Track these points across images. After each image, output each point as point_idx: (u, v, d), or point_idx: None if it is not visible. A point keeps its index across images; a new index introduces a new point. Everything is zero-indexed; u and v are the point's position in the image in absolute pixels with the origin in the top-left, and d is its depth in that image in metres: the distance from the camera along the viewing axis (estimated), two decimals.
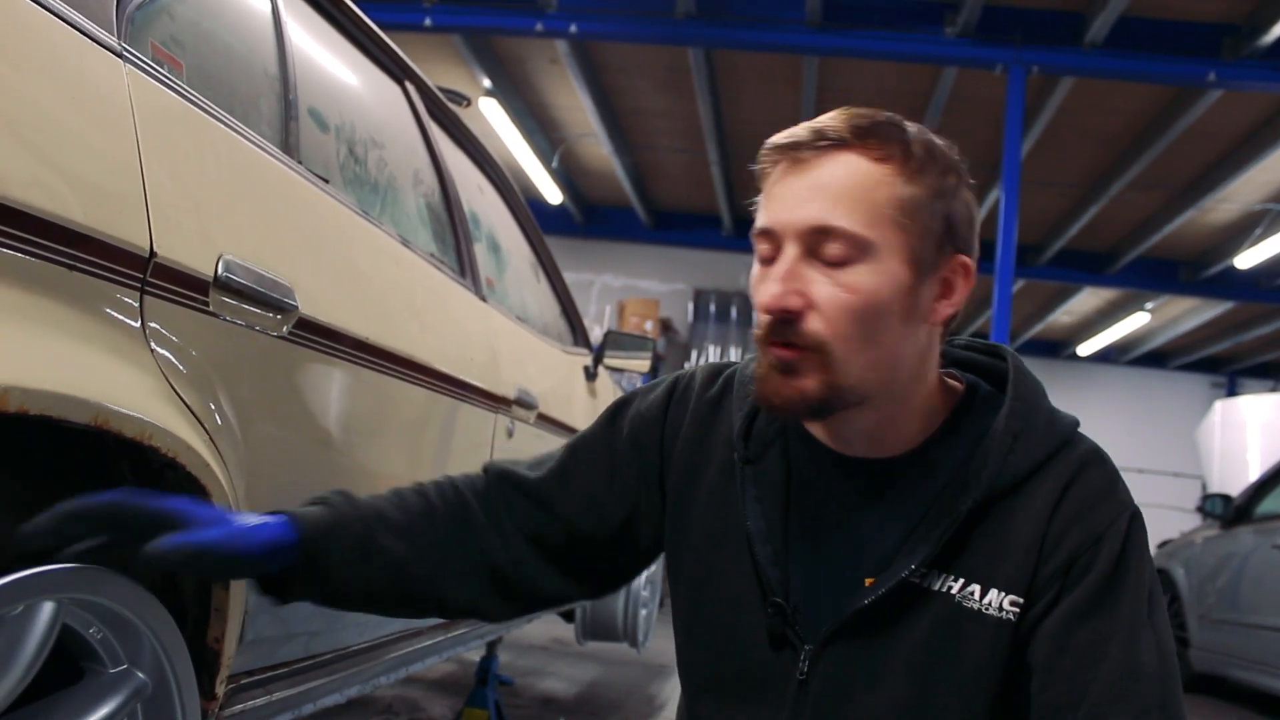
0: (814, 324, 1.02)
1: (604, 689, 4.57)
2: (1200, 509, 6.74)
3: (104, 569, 0.95)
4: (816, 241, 1.02)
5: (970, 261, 1.10)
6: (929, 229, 1.05)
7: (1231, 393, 14.15)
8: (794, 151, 1.05)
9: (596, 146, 10.20)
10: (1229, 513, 6.00)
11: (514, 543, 1.22)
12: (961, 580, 1.06)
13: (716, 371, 1.28)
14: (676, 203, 11.89)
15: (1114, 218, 10.37)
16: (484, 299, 2.28)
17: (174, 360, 1.16)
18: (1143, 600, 1.04)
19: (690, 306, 12.32)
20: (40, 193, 0.98)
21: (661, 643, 5.24)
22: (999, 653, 1.04)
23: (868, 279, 1.02)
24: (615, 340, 3.27)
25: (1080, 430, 1.13)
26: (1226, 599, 5.64)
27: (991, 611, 1.05)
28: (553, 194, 11.07)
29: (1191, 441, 10.51)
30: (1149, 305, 12.56)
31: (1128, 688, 0.99)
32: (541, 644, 5.40)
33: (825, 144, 1.04)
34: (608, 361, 3.27)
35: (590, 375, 3.24)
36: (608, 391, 3.43)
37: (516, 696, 4.11)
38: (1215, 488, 8.74)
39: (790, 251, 1.03)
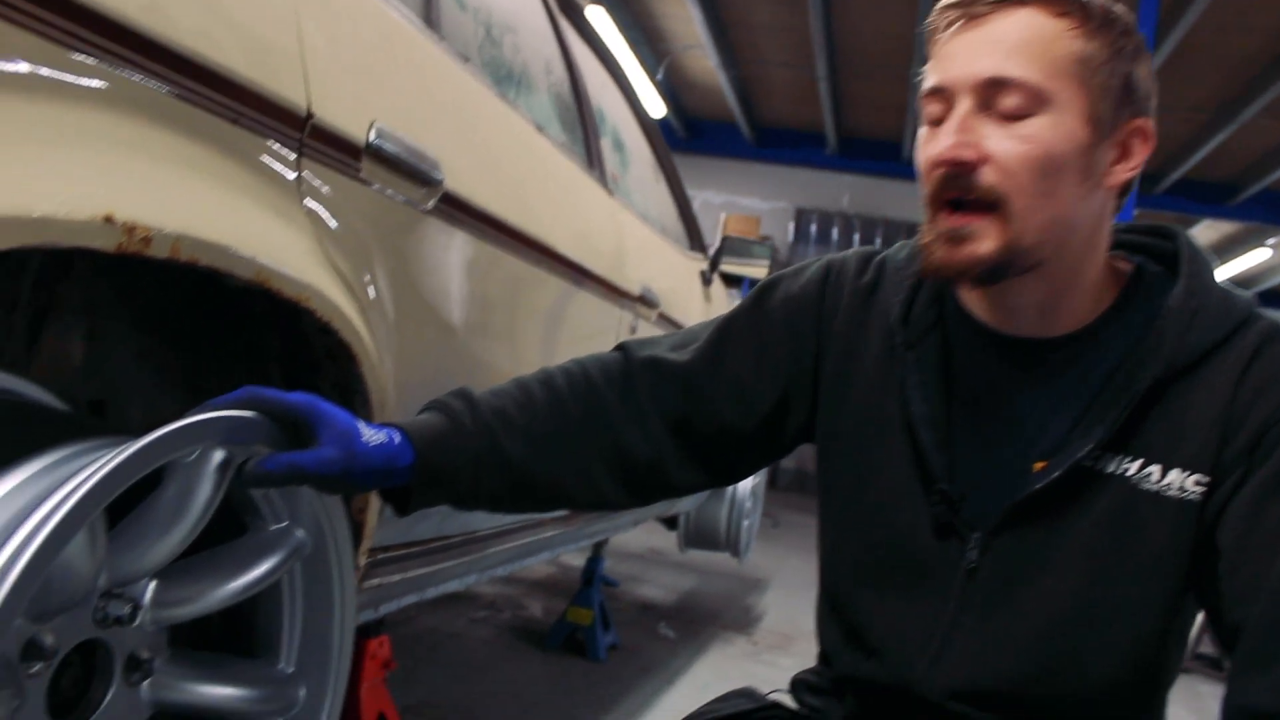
0: (989, 177, 0.98)
1: (701, 598, 4.61)
2: None
3: (273, 421, 0.94)
4: (991, 95, 0.99)
5: (1149, 126, 1.06)
6: (1108, 87, 1.01)
7: None
8: (969, 8, 1.02)
9: (702, 59, 10.01)
10: None
11: (653, 431, 1.18)
12: (1139, 461, 1.02)
13: (868, 258, 1.23)
14: (781, 119, 11.66)
15: (1241, 146, 9.89)
16: (611, 193, 2.25)
17: (328, 225, 1.15)
18: None
19: (791, 226, 12.15)
20: (207, 42, 0.96)
21: (758, 558, 5.25)
22: (1182, 534, 1.00)
23: (1045, 131, 0.98)
24: (732, 246, 3.22)
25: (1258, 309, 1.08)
26: None
27: (1172, 492, 1.00)
28: (656, 107, 10.92)
29: None
30: (1271, 241, 12.02)
31: None
32: (639, 552, 5.45)
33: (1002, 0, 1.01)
34: (724, 267, 3.22)
35: (706, 280, 3.20)
36: (722, 298, 3.39)
37: (616, 600, 4.16)
38: None
39: (963, 105, 1.00)
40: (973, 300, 1.11)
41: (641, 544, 5.62)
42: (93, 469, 0.75)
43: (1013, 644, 1.04)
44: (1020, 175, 0.98)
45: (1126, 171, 1.04)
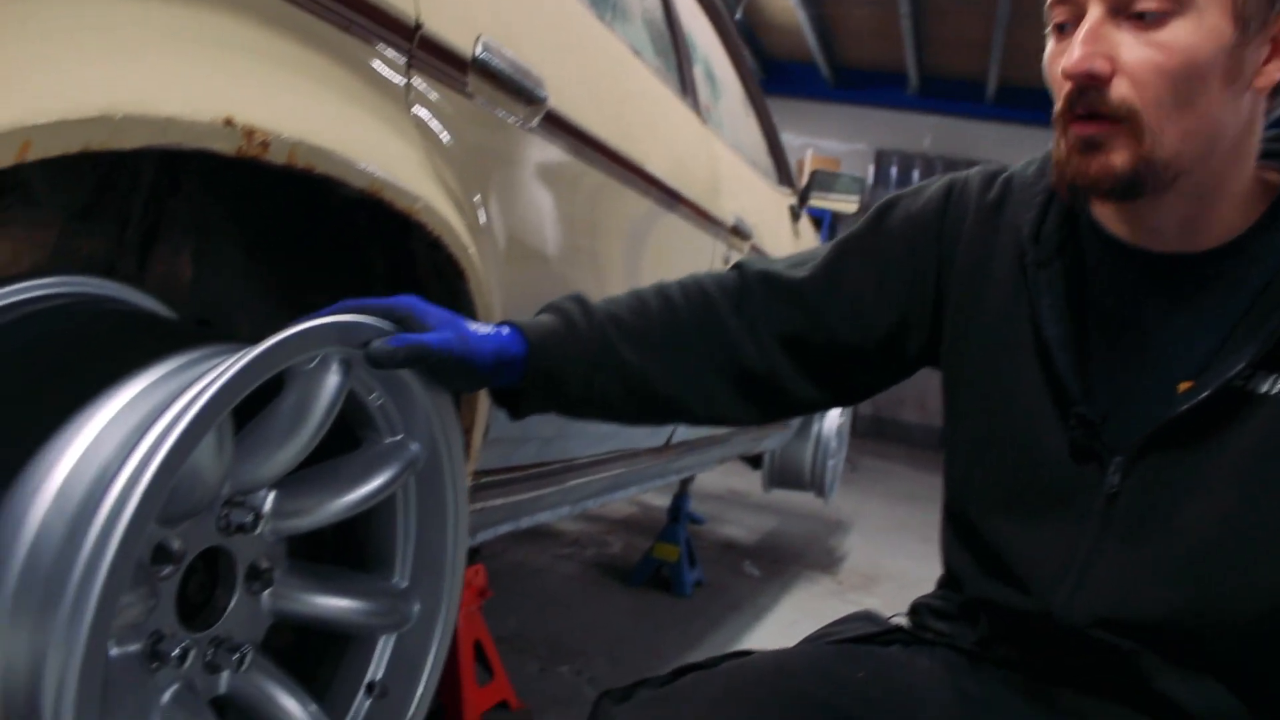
0: (1121, 89, 0.91)
1: (784, 538, 4.59)
2: None
3: (396, 327, 0.94)
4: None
5: None
6: None
7: None
8: None
9: None
10: None
11: (768, 347, 1.15)
12: None
13: (993, 175, 1.18)
14: (861, 59, 11.41)
15: None
16: (704, 122, 2.21)
17: (436, 139, 1.13)
18: None
19: (871, 168, 11.93)
20: None
21: (839, 501, 5.22)
22: None
23: (1184, 36, 0.90)
24: (822, 180, 3.16)
25: None
26: None
27: None
28: None
29: None
30: None
31: None
32: (719, 493, 5.44)
33: None
34: (814, 201, 3.17)
35: (795, 215, 3.15)
36: (810, 234, 3.33)
37: (699, 539, 4.16)
38: None
39: (1094, 12, 0.92)
40: (1109, 216, 1.04)
41: (721, 485, 5.61)
42: (220, 370, 0.74)
43: (1158, 571, 0.98)
44: (1154, 87, 0.91)
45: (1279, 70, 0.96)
